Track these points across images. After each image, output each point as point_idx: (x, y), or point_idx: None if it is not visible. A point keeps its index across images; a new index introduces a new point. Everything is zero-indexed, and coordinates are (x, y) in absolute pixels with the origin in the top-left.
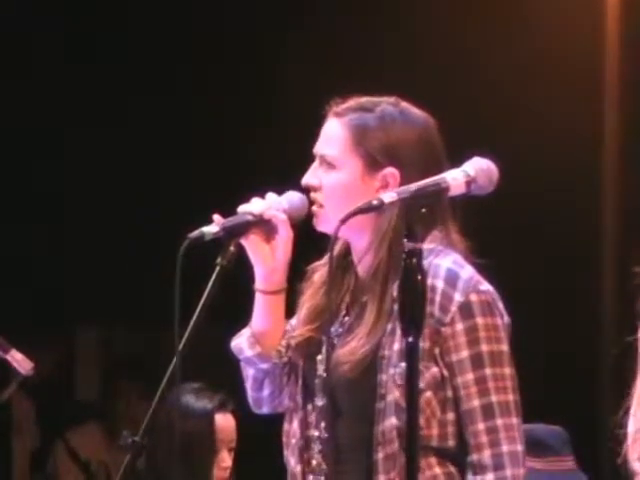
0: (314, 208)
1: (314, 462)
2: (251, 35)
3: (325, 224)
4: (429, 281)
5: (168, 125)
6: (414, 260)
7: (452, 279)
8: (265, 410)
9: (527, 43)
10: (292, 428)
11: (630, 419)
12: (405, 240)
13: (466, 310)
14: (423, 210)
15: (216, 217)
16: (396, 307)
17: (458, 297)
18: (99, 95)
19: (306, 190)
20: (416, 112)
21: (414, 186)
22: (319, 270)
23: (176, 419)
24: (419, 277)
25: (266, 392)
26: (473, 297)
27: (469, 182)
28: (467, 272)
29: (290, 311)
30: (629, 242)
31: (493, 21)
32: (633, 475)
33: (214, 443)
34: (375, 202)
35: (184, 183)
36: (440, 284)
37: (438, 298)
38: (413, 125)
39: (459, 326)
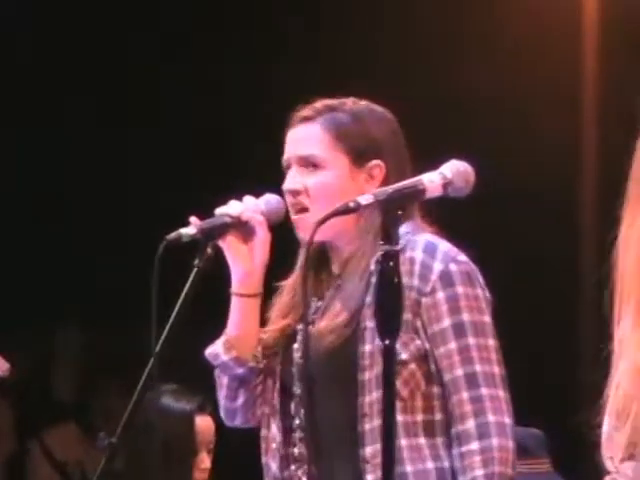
0: (296, 215)
1: (296, 451)
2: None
3: (310, 229)
4: (407, 254)
5: (150, 126)
6: (391, 263)
7: (431, 250)
8: (238, 421)
9: (505, 47)
10: (271, 433)
11: (605, 418)
12: (381, 242)
13: (446, 279)
14: (400, 212)
15: (193, 219)
16: (374, 280)
17: (438, 266)
18: None
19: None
20: (379, 107)
21: (391, 188)
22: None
23: (156, 420)
24: (396, 280)
25: (240, 401)
26: (453, 267)
27: (446, 184)
28: (445, 244)
29: (265, 320)
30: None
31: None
32: (605, 473)
33: (194, 444)
34: (352, 204)
35: (165, 183)
36: (419, 255)
37: (417, 268)
38: (383, 118)
39: (440, 294)
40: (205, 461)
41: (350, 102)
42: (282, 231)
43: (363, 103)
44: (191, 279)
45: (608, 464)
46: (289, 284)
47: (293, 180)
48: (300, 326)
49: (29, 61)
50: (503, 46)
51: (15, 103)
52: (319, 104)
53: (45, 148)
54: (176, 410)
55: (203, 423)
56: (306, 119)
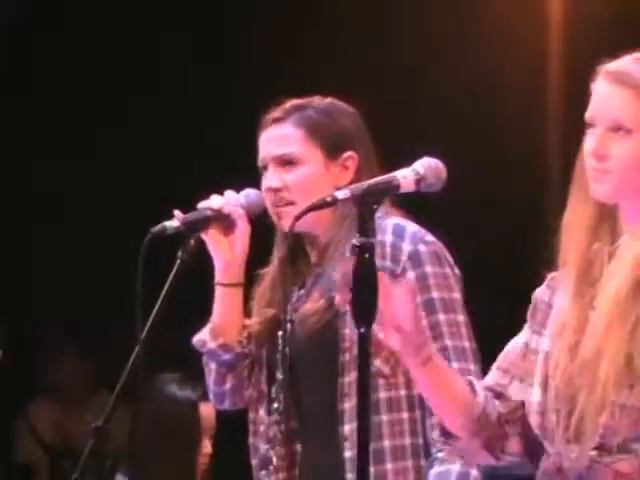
0: (281, 209)
1: (270, 432)
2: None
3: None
4: (378, 237)
5: (129, 124)
6: (366, 255)
7: (400, 232)
8: (226, 405)
9: (469, 58)
10: (258, 416)
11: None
12: (357, 235)
13: (415, 259)
14: (375, 206)
15: (177, 212)
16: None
17: (407, 247)
18: None
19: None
20: (342, 103)
21: (366, 184)
22: (269, 271)
23: (162, 409)
24: (371, 271)
25: (228, 386)
26: (421, 247)
27: (418, 180)
28: (413, 226)
29: (249, 309)
30: None
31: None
32: None
33: (199, 431)
34: (329, 199)
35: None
36: (389, 238)
37: (388, 250)
38: (349, 112)
39: (410, 274)
40: (207, 446)
41: (316, 100)
42: (261, 223)
43: (328, 100)
44: (175, 270)
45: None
46: (269, 275)
47: (272, 178)
48: (282, 316)
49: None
50: (469, 47)
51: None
52: (288, 105)
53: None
54: (182, 398)
55: (206, 410)
56: (277, 120)
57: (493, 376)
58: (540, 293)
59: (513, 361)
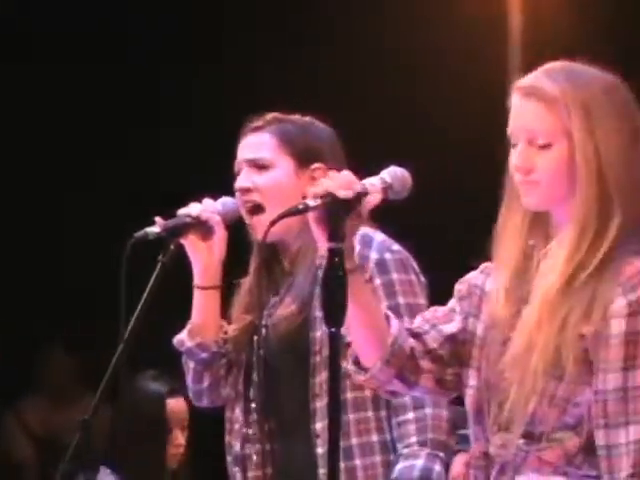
0: (250, 215)
1: (250, 431)
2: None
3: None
4: None
5: (114, 125)
6: (337, 259)
7: (367, 241)
8: (205, 402)
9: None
10: (234, 415)
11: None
12: (328, 240)
13: (382, 266)
14: (345, 211)
15: (158, 219)
16: (320, 274)
17: (374, 255)
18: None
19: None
20: (321, 123)
21: None
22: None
23: (132, 402)
24: (341, 274)
25: (205, 384)
26: (388, 255)
27: (386, 188)
28: (380, 236)
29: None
30: None
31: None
32: None
33: (166, 424)
34: (301, 206)
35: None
36: (357, 247)
37: (356, 259)
38: (324, 130)
39: (377, 281)
40: (179, 438)
41: (296, 116)
42: (237, 230)
43: (307, 118)
44: (156, 273)
45: None
46: (246, 284)
47: (244, 179)
48: (259, 321)
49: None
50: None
51: None
52: (269, 116)
53: None
54: (150, 393)
55: (176, 404)
56: (256, 128)
57: (415, 321)
58: (474, 279)
59: (437, 316)
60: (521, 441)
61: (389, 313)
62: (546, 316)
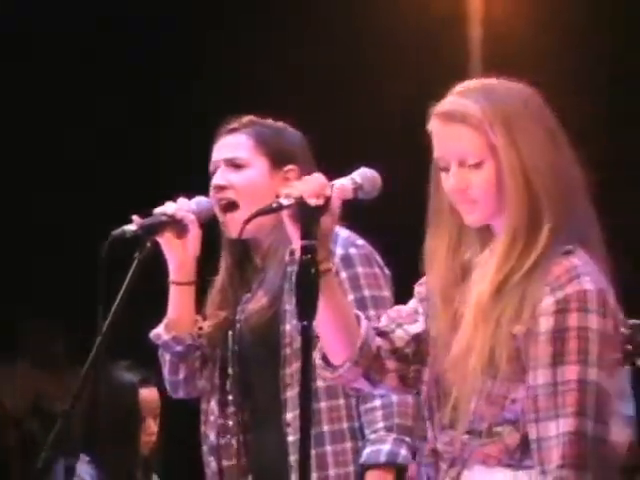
0: (225, 213)
1: (229, 423)
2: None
3: (239, 226)
4: None
5: (94, 124)
6: (309, 255)
7: (333, 237)
8: (181, 394)
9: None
10: (210, 407)
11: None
12: (301, 238)
13: (347, 261)
14: (317, 211)
15: (135, 217)
16: (290, 269)
17: (339, 251)
18: None
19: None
20: (293, 129)
21: None
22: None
23: (106, 392)
24: (313, 270)
25: (181, 376)
26: (352, 250)
27: (356, 189)
28: (345, 232)
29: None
30: None
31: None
32: None
33: (139, 413)
34: (274, 205)
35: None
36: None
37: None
38: (296, 134)
39: (343, 275)
40: (151, 426)
41: (270, 120)
42: (211, 228)
43: (280, 123)
44: (133, 268)
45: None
46: (219, 281)
47: (220, 177)
48: (233, 317)
49: None
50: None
51: None
52: (245, 119)
53: None
54: (123, 383)
55: (148, 394)
56: (233, 130)
57: (381, 320)
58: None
59: (402, 316)
60: (465, 437)
61: (359, 314)
62: (481, 319)
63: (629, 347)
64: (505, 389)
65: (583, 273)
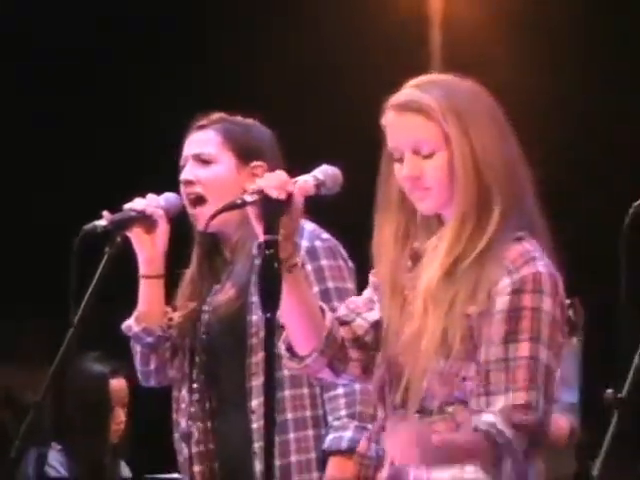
0: (193, 207)
1: (192, 410)
2: None
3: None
4: None
5: (68, 124)
6: (272, 250)
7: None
8: (152, 383)
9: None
10: (181, 395)
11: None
12: (264, 233)
13: (312, 253)
14: (280, 207)
15: (105, 213)
16: (257, 262)
17: (305, 243)
18: None
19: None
20: (259, 124)
21: None
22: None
23: (77, 382)
24: (276, 265)
25: (152, 366)
26: (318, 243)
27: (318, 185)
28: (310, 225)
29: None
30: None
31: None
32: None
33: (109, 402)
34: (239, 201)
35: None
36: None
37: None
38: (265, 131)
39: (308, 267)
40: (120, 415)
41: (239, 117)
42: (179, 223)
43: (249, 119)
44: (103, 262)
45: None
46: (189, 273)
47: (188, 172)
48: (202, 308)
49: None
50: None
51: None
52: (214, 115)
53: None
54: (93, 374)
55: (117, 384)
56: (202, 126)
57: (340, 310)
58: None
59: (359, 306)
60: (416, 415)
61: (324, 306)
62: (431, 303)
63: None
64: (457, 368)
65: (537, 257)
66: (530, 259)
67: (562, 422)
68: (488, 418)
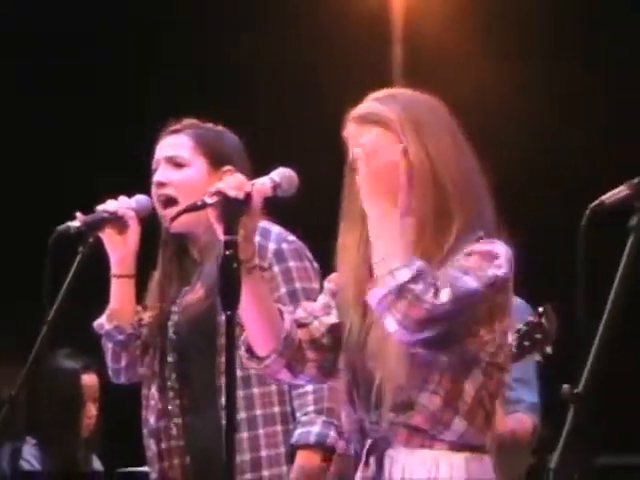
0: (165, 209)
1: (169, 407)
2: None
3: (179, 223)
4: None
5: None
6: (231, 250)
7: (266, 234)
8: (122, 380)
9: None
10: (150, 392)
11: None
12: (223, 233)
13: (279, 255)
14: (239, 208)
15: (78, 214)
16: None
17: (272, 246)
18: None
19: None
20: (231, 133)
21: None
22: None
23: (49, 378)
24: (235, 265)
25: (123, 363)
26: (284, 245)
27: (275, 187)
28: (277, 228)
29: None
30: None
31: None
32: None
33: (81, 397)
34: (199, 203)
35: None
36: (256, 238)
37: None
38: (234, 138)
39: (275, 269)
40: (92, 410)
41: (211, 124)
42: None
43: (220, 127)
44: (76, 262)
45: None
46: (158, 274)
47: (160, 174)
48: (172, 308)
49: None
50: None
51: None
52: (186, 121)
53: None
54: (65, 369)
55: (89, 379)
56: (175, 131)
57: (298, 313)
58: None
59: (316, 309)
60: (391, 414)
61: (282, 308)
62: None
63: (538, 336)
64: (424, 363)
65: (496, 244)
66: (488, 242)
67: (526, 421)
68: None
